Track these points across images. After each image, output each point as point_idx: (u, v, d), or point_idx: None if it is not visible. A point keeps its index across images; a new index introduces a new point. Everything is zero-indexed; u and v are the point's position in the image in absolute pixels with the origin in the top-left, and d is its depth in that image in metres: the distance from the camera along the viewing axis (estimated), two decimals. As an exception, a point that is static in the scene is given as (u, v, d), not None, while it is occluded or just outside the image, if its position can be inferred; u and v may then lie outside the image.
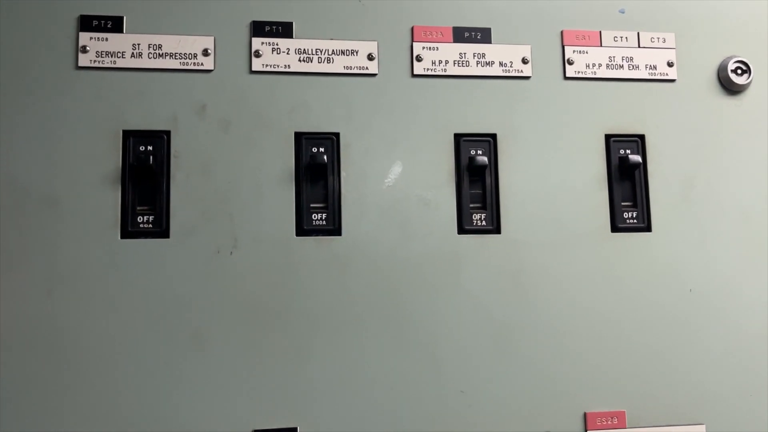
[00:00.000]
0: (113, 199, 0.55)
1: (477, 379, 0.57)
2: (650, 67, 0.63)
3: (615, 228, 0.61)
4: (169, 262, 0.55)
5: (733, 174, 0.63)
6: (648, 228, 0.61)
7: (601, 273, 0.60)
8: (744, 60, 0.63)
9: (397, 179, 0.59)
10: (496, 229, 0.59)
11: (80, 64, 0.56)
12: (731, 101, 0.64)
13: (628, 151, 0.61)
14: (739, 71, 0.63)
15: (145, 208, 0.56)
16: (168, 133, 0.57)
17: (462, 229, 0.59)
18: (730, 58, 0.64)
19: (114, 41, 0.57)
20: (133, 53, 0.57)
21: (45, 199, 0.54)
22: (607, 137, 0.62)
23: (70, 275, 0.54)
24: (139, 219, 0.55)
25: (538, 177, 0.60)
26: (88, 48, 0.56)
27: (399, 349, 0.57)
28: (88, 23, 0.57)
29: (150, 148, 0.56)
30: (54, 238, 0.54)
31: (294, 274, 0.56)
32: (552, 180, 0.60)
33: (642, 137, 0.62)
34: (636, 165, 0.60)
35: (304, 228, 0.57)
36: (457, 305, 0.58)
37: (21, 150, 0.55)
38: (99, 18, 0.57)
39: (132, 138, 0.56)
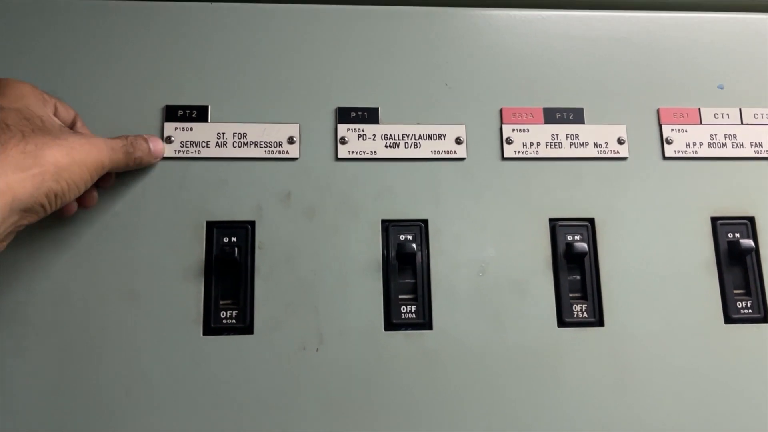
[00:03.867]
0: (196, 292, 0.53)
1: (586, 490, 0.52)
2: (756, 145, 0.59)
3: (728, 319, 0.56)
4: (253, 359, 0.52)
5: None
6: (765, 319, 0.56)
7: (715, 369, 0.55)
8: None
9: (490, 267, 0.55)
10: (599, 321, 0.55)
11: (165, 154, 0.55)
12: None
13: (737, 235, 0.57)
14: None
15: (228, 302, 0.54)
16: (252, 223, 0.55)
17: (562, 322, 0.55)
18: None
19: (199, 131, 0.56)
20: (217, 143, 0.56)
21: (125, 292, 0.53)
22: (714, 220, 0.58)
23: (149, 374, 0.52)
24: (222, 314, 0.53)
25: (642, 263, 0.56)
26: (173, 138, 0.56)
27: (497, 452, 0.52)
28: (173, 113, 0.56)
29: (234, 239, 0.54)
30: (133, 334, 0.52)
31: (383, 371, 0.53)
32: (656, 267, 0.56)
33: (752, 219, 0.58)
34: (749, 250, 0.56)
35: (392, 322, 0.54)
36: (559, 404, 0.53)
37: (101, 241, 0.53)
38: (184, 108, 0.56)
39: (216, 229, 0.55)
